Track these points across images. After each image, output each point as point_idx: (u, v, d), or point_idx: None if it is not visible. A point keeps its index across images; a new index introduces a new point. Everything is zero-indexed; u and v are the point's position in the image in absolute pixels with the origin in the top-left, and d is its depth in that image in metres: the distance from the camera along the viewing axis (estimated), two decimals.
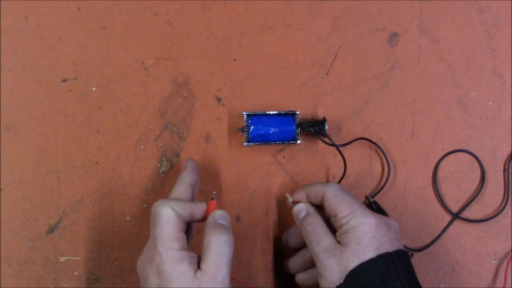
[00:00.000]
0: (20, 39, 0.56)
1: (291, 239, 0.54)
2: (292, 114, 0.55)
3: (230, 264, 0.43)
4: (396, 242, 0.45)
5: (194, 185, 0.49)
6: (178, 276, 0.41)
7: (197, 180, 0.50)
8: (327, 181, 0.55)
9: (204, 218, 0.47)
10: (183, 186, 0.48)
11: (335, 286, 0.43)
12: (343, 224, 0.46)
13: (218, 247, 0.42)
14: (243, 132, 0.54)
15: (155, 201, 0.55)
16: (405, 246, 0.55)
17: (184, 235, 0.44)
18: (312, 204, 0.51)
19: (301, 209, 0.50)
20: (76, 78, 0.56)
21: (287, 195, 0.52)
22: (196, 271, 0.42)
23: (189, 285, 0.40)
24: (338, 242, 0.46)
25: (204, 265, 0.42)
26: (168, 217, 0.43)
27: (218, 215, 0.46)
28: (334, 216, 0.47)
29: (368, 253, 0.43)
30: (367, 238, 0.44)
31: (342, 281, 0.43)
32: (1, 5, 0.56)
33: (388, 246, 0.44)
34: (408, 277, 0.44)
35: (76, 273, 0.54)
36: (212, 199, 0.47)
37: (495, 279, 0.56)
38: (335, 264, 0.44)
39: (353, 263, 0.43)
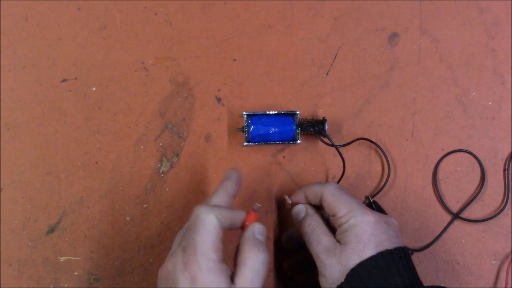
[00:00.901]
0: (20, 39, 0.56)
1: (291, 240, 0.54)
2: (292, 114, 0.55)
3: (263, 283, 0.42)
4: (395, 239, 0.45)
5: (233, 196, 0.47)
6: None
7: (236, 192, 0.48)
8: (326, 181, 0.55)
9: (240, 227, 0.46)
10: (223, 195, 0.46)
11: (336, 285, 0.44)
12: (342, 223, 0.46)
13: (255, 265, 0.42)
14: (243, 132, 0.54)
15: (155, 201, 0.55)
16: None
17: (222, 246, 0.43)
18: (311, 204, 0.51)
19: (300, 210, 0.50)
20: (76, 78, 0.56)
21: (286, 197, 0.51)
22: (230, 285, 0.41)
23: None
24: (338, 241, 0.46)
25: (239, 281, 0.41)
26: (212, 226, 0.42)
27: (258, 230, 0.45)
28: (333, 216, 0.47)
29: (368, 251, 0.43)
30: (366, 236, 0.44)
31: (343, 280, 0.43)
32: (1, 5, 0.56)
33: (388, 244, 0.44)
34: (409, 274, 0.44)
35: (76, 273, 0.54)
36: (254, 210, 0.46)
37: (495, 279, 0.56)
38: (335, 263, 0.44)
39: (354, 261, 0.43)
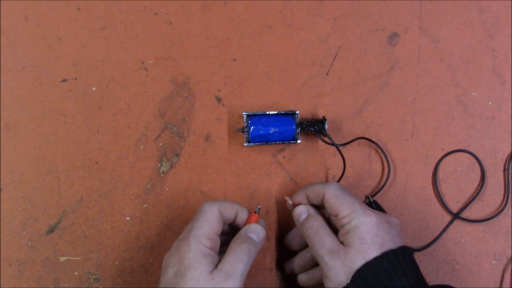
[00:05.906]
0: (20, 39, 0.56)
1: (293, 242, 0.53)
2: (292, 114, 0.55)
3: (245, 272, 0.44)
4: (398, 239, 0.45)
5: (237, 215, 0.49)
6: (197, 267, 0.42)
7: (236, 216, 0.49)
8: (327, 181, 0.55)
9: (242, 225, 0.49)
10: (233, 204, 0.49)
11: (341, 287, 0.43)
12: (345, 224, 0.46)
13: (236, 253, 0.44)
14: (243, 132, 0.54)
15: (155, 201, 0.55)
16: None
17: (218, 240, 0.46)
18: (312, 205, 0.51)
19: (302, 211, 0.50)
20: (76, 78, 0.56)
21: (287, 198, 0.51)
22: (212, 268, 0.43)
23: (204, 278, 0.42)
24: (341, 242, 0.46)
25: (220, 264, 0.44)
26: (212, 216, 0.46)
27: (252, 229, 0.48)
28: (335, 216, 0.47)
29: (372, 252, 0.44)
30: (369, 237, 0.44)
31: (348, 282, 0.43)
32: (1, 5, 0.56)
33: (391, 244, 0.44)
34: (413, 273, 0.44)
35: (76, 273, 0.54)
36: (255, 212, 0.49)
37: (495, 279, 0.56)
38: (340, 265, 0.44)
39: (358, 262, 0.43)
